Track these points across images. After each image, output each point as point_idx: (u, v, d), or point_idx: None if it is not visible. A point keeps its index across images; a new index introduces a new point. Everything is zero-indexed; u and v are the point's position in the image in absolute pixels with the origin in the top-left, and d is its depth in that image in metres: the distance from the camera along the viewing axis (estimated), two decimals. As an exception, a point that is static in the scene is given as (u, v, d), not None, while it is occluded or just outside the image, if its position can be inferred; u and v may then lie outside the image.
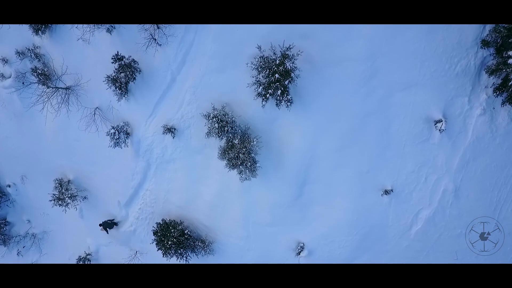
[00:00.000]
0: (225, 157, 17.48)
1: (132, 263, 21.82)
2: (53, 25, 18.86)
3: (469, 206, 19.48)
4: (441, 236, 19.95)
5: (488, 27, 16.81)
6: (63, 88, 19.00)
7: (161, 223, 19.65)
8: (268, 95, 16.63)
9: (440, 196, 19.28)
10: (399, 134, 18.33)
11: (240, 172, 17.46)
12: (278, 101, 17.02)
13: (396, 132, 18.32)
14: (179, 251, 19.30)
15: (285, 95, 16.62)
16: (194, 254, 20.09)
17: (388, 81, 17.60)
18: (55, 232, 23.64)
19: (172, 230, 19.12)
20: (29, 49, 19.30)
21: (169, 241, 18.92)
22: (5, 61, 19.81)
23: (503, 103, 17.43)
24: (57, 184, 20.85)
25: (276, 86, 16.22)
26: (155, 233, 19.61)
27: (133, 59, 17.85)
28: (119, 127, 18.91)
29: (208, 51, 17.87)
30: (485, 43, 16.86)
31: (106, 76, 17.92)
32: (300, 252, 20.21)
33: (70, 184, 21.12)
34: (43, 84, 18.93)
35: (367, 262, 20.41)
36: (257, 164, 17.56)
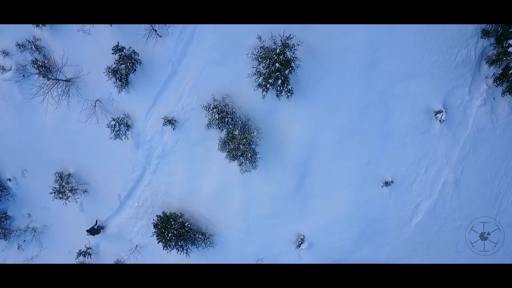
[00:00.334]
0: (226, 149, 17.47)
1: (132, 256, 21.79)
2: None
3: (470, 197, 19.48)
4: (442, 228, 19.95)
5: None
6: (64, 80, 19.01)
7: (162, 215, 19.63)
8: (268, 86, 16.62)
9: (440, 187, 19.29)
10: (399, 125, 18.34)
11: (240, 164, 17.45)
12: (278, 92, 17.02)
13: (396, 123, 18.33)
14: (179, 244, 19.28)
15: (285, 85, 16.62)
16: (195, 246, 20.09)
17: (388, 72, 17.62)
18: (55, 226, 23.60)
19: (172, 223, 19.10)
20: (29, 41, 19.29)
21: (169, 233, 18.91)
22: (6, 53, 19.79)
23: (503, 93, 17.45)
24: (57, 178, 20.84)
25: (276, 76, 16.22)
26: (155, 225, 19.59)
27: (134, 50, 17.84)
28: (120, 119, 18.91)
29: (208, 42, 17.89)
30: (485, 33, 16.88)
31: (106, 67, 17.92)
32: (300, 244, 20.19)
33: (70, 177, 21.11)
34: (44, 76, 18.93)
35: (367, 254, 20.40)
36: (258, 155, 17.57)
